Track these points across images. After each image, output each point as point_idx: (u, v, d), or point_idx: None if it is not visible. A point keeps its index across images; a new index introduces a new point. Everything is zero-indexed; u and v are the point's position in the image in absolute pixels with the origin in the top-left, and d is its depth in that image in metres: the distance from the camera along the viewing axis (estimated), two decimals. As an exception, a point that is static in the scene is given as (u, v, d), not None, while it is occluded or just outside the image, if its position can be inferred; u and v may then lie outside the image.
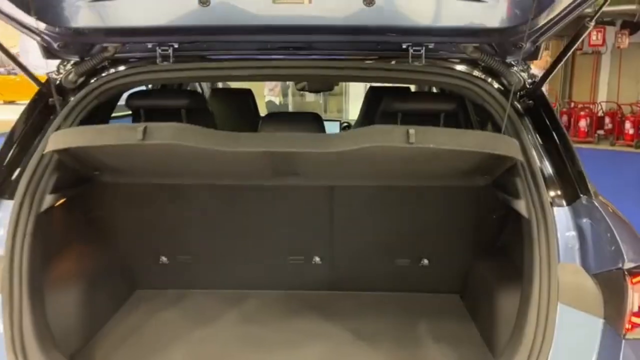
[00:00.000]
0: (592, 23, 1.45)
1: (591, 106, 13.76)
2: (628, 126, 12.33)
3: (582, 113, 13.28)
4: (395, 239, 2.03)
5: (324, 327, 1.87)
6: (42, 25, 1.51)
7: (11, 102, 19.17)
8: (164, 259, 2.08)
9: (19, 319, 1.33)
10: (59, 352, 1.39)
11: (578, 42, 1.50)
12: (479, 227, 1.95)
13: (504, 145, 1.42)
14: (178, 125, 1.42)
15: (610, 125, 13.32)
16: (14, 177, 1.54)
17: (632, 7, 10.87)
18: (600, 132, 13.29)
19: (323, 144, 1.43)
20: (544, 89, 1.92)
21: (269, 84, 8.68)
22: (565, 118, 13.85)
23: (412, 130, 1.32)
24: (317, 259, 2.08)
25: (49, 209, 1.52)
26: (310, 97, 10.86)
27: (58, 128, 1.58)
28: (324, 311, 1.97)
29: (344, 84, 8.19)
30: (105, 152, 1.56)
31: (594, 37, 12.88)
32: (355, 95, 10.26)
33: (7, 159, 1.57)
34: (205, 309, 1.99)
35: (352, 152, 1.39)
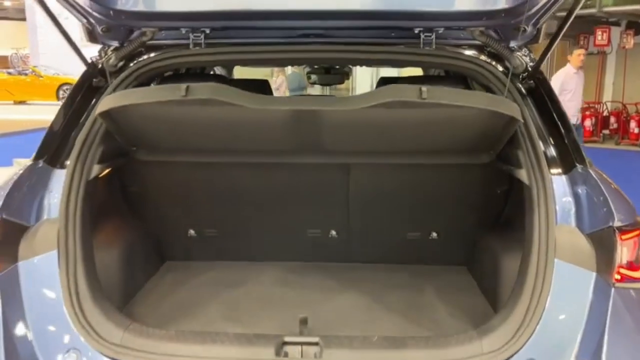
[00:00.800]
0: None
1: (596, 106, 13.81)
2: (633, 125, 12.40)
3: (587, 113, 13.34)
4: (407, 214, 2.19)
5: (340, 292, 2.03)
6: (91, 6, 1.68)
7: (22, 102, 19.46)
8: (192, 232, 2.26)
9: (74, 271, 1.50)
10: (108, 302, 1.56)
11: (572, 18, 1.65)
12: (485, 202, 2.11)
13: (506, 105, 1.58)
14: (216, 84, 1.60)
15: (615, 125, 13.37)
16: (64, 149, 1.71)
17: (638, 7, 10.92)
18: (606, 131, 13.34)
19: (345, 103, 1.59)
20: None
21: (275, 83, 8.89)
22: (571, 118, 13.94)
23: (424, 88, 1.49)
24: (333, 232, 2.25)
25: (94, 178, 1.68)
26: (317, 93, 11.06)
27: None
28: (340, 279, 2.13)
29: (352, 78, 8.36)
30: (146, 117, 1.71)
31: (599, 38, 12.93)
32: (362, 90, 10.42)
33: (58, 134, 1.74)
34: (230, 277, 2.16)
35: (371, 111, 1.54)
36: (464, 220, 2.18)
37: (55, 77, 19.52)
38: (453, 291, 2.04)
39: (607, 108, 13.92)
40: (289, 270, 2.22)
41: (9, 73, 20.12)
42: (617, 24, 13.45)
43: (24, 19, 25.16)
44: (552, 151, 1.65)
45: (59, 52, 21.92)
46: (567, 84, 6.51)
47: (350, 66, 2.62)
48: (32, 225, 1.56)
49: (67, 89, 19.19)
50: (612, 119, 13.60)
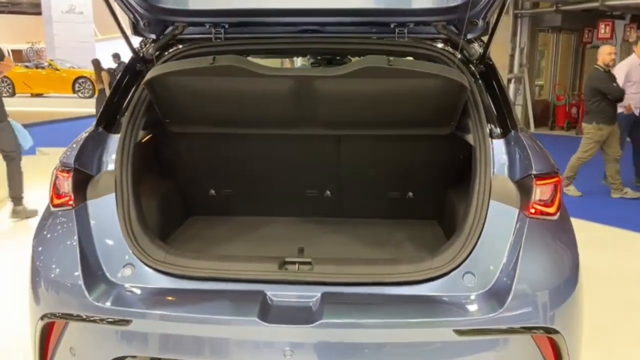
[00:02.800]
0: None
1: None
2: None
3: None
4: (387, 177, 2.68)
5: (331, 235, 2.53)
6: (138, 3, 2.20)
7: (39, 95, 19.99)
8: (212, 192, 2.77)
9: (128, 209, 1.97)
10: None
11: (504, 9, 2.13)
12: (450, 166, 2.59)
13: (456, 74, 2.04)
14: (236, 56, 2.10)
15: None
16: (116, 119, 2.20)
17: (640, 1, 11.12)
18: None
19: (333, 71, 2.08)
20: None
21: None
22: (574, 110, 14.17)
23: (392, 58, 1.98)
24: (328, 192, 2.75)
25: (139, 142, 2.18)
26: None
27: None
28: (332, 228, 2.62)
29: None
30: (179, 87, 2.19)
31: (602, 31, 13.13)
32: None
33: (112, 107, 2.24)
34: (243, 227, 2.66)
35: (354, 81, 2.04)
36: (434, 182, 2.66)
37: (71, 70, 19.99)
38: (422, 235, 2.51)
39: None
40: (292, 223, 2.71)
41: (27, 66, 20.57)
42: (621, 17, 13.63)
43: (38, 13, 25.78)
44: (494, 120, 2.11)
45: (73, 46, 22.54)
46: (631, 75, 6.14)
47: (350, 57, 3.11)
48: (95, 175, 2.06)
49: (82, 82, 19.73)
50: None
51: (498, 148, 2.02)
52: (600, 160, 6.23)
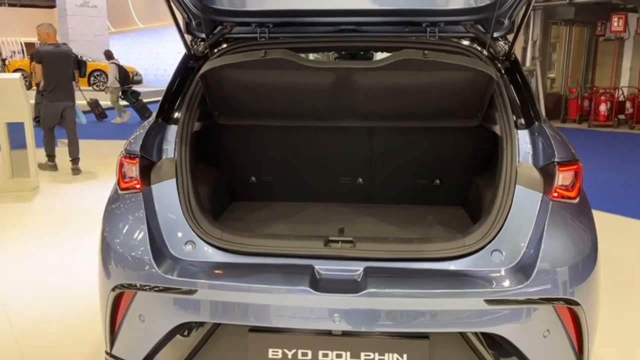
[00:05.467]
0: None
1: (612, 91, 14.00)
2: (648, 109, 12.55)
3: (602, 98, 13.59)
4: (416, 165, 2.89)
5: (365, 218, 2.73)
6: (191, 3, 2.41)
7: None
8: (253, 179, 2.99)
9: (187, 192, 2.17)
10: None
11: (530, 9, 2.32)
12: (476, 155, 2.79)
13: (484, 66, 2.23)
14: (285, 49, 2.29)
15: (631, 110, 13.59)
16: (174, 110, 2.41)
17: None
18: (621, 116, 13.57)
19: (371, 63, 2.27)
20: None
21: None
22: (586, 103, 14.20)
23: (427, 51, 2.17)
24: (360, 180, 2.96)
25: (194, 132, 2.39)
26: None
27: None
28: (365, 212, 2.82)
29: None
30: (230, 81, 2.37)
31: (615, 24, 13.13)
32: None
33: (169, 100, 2.44)
34: (285, 210, 2.87)
35: (389, 74, 2.23)
36: (461, 170, 2.86)
37: (90, 62, 20.28)
38: (449, 220, 2.70)
39: (622, 93, 14.08)
40: (327, 207, 2.92)
41: (41, 60, 20.85)
42: (634, 10, 13.60)
43: (52, 7, 26.01)
44: (519, 112, 2.30)
45: (87, 40, 22.81)
46: None
47: (372, 52, 3.33)
48: (157, 161, 2.27)
49: (97, 75, 20.02)
50: (628, 104, 13.79)
51: (523, 138, 2.21)
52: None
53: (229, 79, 2.40)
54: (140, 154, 2.18)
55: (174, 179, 2.18)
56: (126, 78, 13.05)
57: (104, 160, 8.03)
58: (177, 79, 2.50)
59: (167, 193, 2.17)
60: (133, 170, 2.17)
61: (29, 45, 27.47)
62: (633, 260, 4.43)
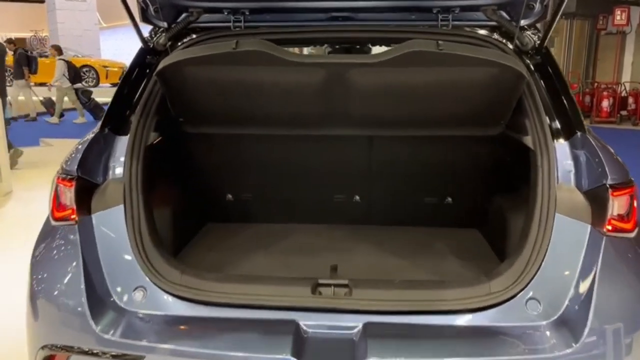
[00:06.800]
0: None
1: (614, 86, 13.71)
2: (652, 106, 12.27)
3: (604, 93, 13.27)
4: (424, 181, 2.42)
5: (363, 247, 2.28)
6: None
7: (42, 84, 19.77)
8: (229, 196, 2.51)
9: (138, 222, 1.74)
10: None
11: None
12: (495, 170, 2.32)
13: (514, 61, 1.76)
14: (262, 40, 1.83)
15: (633, 106, 13.27)
16: (125, 119, 1.94)
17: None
18: (624, 112, 13.24)
19: (371, 57, 1.81)
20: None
21: None
22: (588, 98, 13.86)
23: (441, 42, 1.70)
24: (357, 197, 2.49)
25: (150, 145, 1.93)
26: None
27: None
28: (363, 238, 2.38)
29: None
30: (195, 79, 1.93)
31: (617, 17, 12.82)
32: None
33: (119, 105, 1.98)
34: (265, 236, 2.42)
35: (391, 71, 1.76)
36: (477, 187, 2.40)
37: (75, 59, 19.79)
38: (465, 247, 2.26)
39: (625, 89, 13.78)
40: (317, 231, 2.46)
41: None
42: (636, 3, 13.30)
43: (41, 1, 25.47)
44: (555, 119, 1.85)
45: (77, 35, 22.32)
46: None
47: (370, 45, 2.83)
48: (101, 183, 1.81)
49: (87, 71, 19.52)
50: (630, 100, 13.48)
51: (562, 152, 1.77)
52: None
53: (194, 77, 1.94)
54: (77, 175, 1.72)
55: (122, 205, 1.74)
56: (77, 76, 12.52)
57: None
58: (129, 79, 2.03)
59: (111, 224, 1.74)
60: (68, 195, 1.71)
61: (19, 41, 26.89)
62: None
